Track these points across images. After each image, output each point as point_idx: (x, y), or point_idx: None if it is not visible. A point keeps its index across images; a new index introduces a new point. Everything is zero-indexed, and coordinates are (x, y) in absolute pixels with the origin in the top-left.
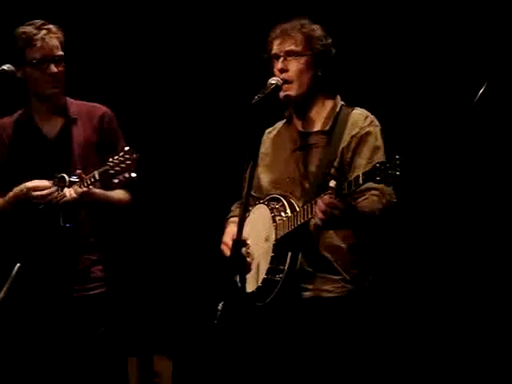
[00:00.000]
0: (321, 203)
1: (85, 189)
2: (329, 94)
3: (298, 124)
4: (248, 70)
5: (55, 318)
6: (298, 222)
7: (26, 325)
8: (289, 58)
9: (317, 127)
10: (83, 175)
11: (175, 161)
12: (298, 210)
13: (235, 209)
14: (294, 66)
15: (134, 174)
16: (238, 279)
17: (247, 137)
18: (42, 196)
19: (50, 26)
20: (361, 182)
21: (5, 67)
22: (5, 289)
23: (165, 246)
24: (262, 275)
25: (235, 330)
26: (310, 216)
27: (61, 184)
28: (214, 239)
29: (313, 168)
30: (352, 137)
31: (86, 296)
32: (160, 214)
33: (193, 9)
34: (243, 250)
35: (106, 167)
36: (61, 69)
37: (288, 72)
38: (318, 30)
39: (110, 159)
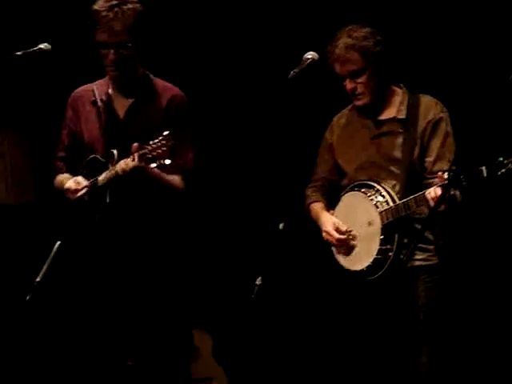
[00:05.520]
0: (434, 195)
1: (137, 163)
2: (395, 83)
3: (372, 112)
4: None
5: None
6: (408, 211)
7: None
8: (353, 78)
9: (391, 115)
10: (135, 150)
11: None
12: (403, 199)
13: (311, 193)
14: (360, 81)
15: (167, 161)
16: (341, 260)
17: (284, 112)
18: (73, 198)
19: (123, 7)
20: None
21: (42, 46)
22: (45, 266)
23: (207, 222)
24: (372, 255)
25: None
26: (421, 205)
27: (110, 160)
28: (253, 217)
29: (396, 154)
30: (428, 122)
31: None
32: (202, 193)
33: None
34: (346, 234)
35: (145, 151)
36: (125, 53)
37: (357, 89)
38: (368, 38)
39: (151, 142)
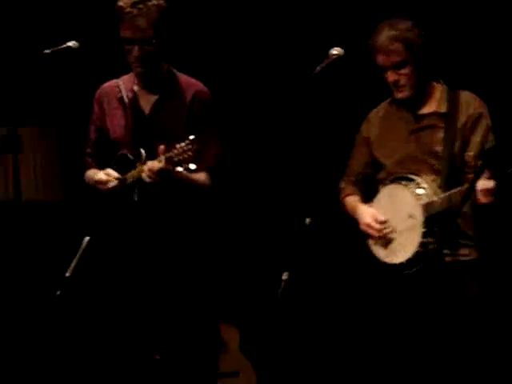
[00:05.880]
0: (483, 188)
1: (163, 165)
2: (435, 78)
3: (412, 106)
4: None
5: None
6: (452, 204)
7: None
8: (396, 69)
9: (431, 109)
10: (162, 152)
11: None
12: (451, 191)
13: (346, 186)
14: (403, 73)
15: (192, 166)
16: (378, 253)
17: (310, 107)
18: (105, 190)
19: (147, 4)
20: None
21: (70, 44)
22: (74, 261)
23: (234, 217)
24: (413, 248)
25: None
26: (467, 199)
27: (138, 159)
28: (279, 212)
29: (437, 148)
30: (468, 117)
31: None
32: (229, 189)
33: None
34: (386, 226)
35: (171, 154)
36: (149, 49)
37: (399, 81)
38: (411, 30)
39: (177, 146)
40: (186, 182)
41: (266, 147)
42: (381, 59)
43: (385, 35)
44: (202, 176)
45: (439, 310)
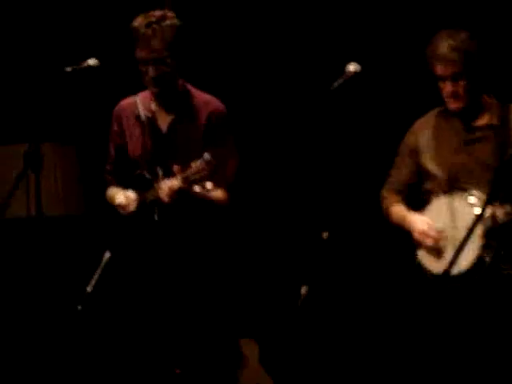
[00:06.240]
0: None
1: (181, 184)
2: (487, 91)
3: (465, 117)
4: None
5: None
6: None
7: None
8: (454, 80)
9: (483, 121)
10: (178, 171)
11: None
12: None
13: (390, 195)
14: (460, 84)
15: (209, 185)
16: (430, 264)
17: (326, 122)
18: (126, 213)
19: (161, 24)
20: None
21: (90, 62)
22: (95, 276)
23: (252, 231)
24: (471, 261)
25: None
26: None
27: (156, 178)
28: (297, 226)
29: (489, 160)
30: None
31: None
32: (246, 203)
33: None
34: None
35: (187, 174)
36: (164, 69)
37: (456, 91)
38: (470, 40)
39: (193, 165)
40: (204, 200)
41: (284, 161)
42: (440, 69)
43: (446, 45)
44: (220, 193)
45: (493, 323)
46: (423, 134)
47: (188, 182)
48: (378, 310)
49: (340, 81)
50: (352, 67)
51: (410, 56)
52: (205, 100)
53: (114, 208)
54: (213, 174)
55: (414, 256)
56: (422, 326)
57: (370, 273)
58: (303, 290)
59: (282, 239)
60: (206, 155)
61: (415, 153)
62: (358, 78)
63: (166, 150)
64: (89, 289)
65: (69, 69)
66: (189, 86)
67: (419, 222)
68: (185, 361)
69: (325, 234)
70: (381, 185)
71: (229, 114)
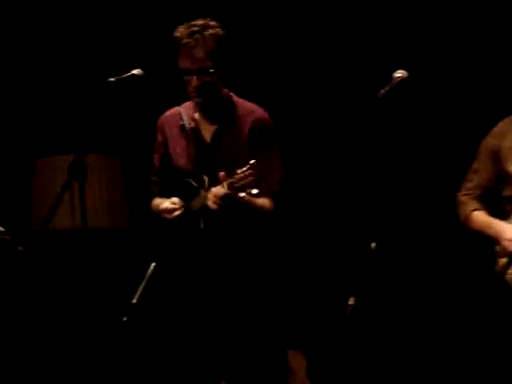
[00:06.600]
0: None
1: (227, 191)
2: None
3: None
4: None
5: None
6: None
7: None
8: None
9: None
10: (223, 178)
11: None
12: None
13: (469, 201)
14: None
15: (254, 191)
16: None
17: (373, 130)
18: (171, 218)
19: (204, 34)
20: None
21: (135, 72)
22: (140, 288)
23: (299, 242)
24: None
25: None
26: None
27: (202, 186)
28: (345, 236)
29: None
30: None
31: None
32: (293, 213)
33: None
34: None
35: (233, 180)
36: (207, 79)
37: None
38: None
39: (238, 171)
40: (250, 208)
41: (332, 170)
42: None
43: None
44: (265, 201)
45: None
46: (505, 136)
47: (234, 189)
48: (426, 320)
49: (387, 88)
50: (399, 74)
51: (457, 63)
52: (249, 109)
53: (159, 219)
54: (258, 181)
55: (494, 265)
56: (498, 344)
57: (419, 282)
58: (351, 301)
59: (330, 250)
60: (252, 162)
61: (497, 156)
62: (405, 85)
63: (210, 160)
64: (134, 300)
65: (113, 79)
66: (233, 95)
67: (509, 230)
68: (232, 373)
69: (373, 245)
70: (430, 194)
71: (274, 123)
